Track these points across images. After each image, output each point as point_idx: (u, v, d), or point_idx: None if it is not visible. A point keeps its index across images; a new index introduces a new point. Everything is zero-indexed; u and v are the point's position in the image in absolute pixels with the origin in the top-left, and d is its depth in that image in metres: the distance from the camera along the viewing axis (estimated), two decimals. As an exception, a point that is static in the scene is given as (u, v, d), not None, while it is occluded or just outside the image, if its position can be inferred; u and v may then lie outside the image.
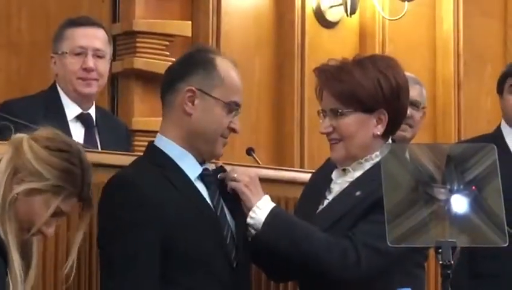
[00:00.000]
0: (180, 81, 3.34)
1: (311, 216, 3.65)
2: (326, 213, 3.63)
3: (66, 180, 2.59)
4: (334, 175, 3.72)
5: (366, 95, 3.60)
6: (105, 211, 3.29)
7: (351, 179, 3.65)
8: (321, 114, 3.68)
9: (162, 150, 3.36)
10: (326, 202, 3.73)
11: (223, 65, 3.46)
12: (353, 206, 3.47)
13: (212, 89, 3.34)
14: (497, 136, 5.13)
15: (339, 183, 3.69)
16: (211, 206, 3.38)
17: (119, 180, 3.30)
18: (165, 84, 3.44)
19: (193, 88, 3.30)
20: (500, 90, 5.24)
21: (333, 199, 3.68)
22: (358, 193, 3.45)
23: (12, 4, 6.55)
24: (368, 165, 3.62)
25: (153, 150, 3.42)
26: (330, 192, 3.72)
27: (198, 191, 3.30)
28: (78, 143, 3.54)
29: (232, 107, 3.42)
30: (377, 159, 3.58)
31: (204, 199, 3.35)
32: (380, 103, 3.61)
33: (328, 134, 3.62)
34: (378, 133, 3.58)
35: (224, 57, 3.59)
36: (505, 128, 5.23)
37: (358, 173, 3.65)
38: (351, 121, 3.62)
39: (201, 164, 3.33)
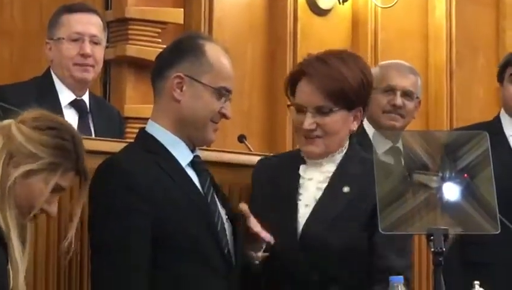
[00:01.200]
0: (169, 68, 3.33)
1: (291, 219, 3.61)
2: (321, 214, 3.60)
3: (61, 156, 2.60)
4: (302, 171, 3.69)
5: (353, 93, 3.61)
6: (96, 196, 3.24)
7: (327, 173, 3.66)
8: (293, 108, 3.64)
9: (153, 137, 3.33)
10: (303, 202, 3.70)
11: (213, 51, 3.42)
12: (346, 206, 3.48)
13: (201, 75, 3.31)
14: (495, 125, 5.07)
15: (312, 179, 3.70)
16: (202, 192, 3.33)
17: (110, 165, 3.28)
18: (155, 71, 3.40)
19: (181, 74, 3.28)
20: (500, 79, 5.15)
21: (321, 199, 3.65)
22: (346, 189, 3.45)
23: None
24: (339, 158, 3.65)
25: (144, 137, 3.38)
26: (304, 190, 3.70)
27: (189, 177, 3.29)
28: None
29: (222, 93, 3.37)
30: (345, 151, 3.65)
31: (195, 185, 3.33)
32: (361, 101, 3.65)
33: (310, 131, 3.58)
34: (354, 129, 3.64)
35: (215, 42, 3.56)
36: (504, 117, 5.16)
37: (331, 167, 3.65)
38: (337, 118, 3.62)
39: (192, 151, 3.32)
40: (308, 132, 3.57)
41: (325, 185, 3.66)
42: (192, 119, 3.33)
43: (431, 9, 7.48)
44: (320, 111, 3.55)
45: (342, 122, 3.61)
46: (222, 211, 3.41)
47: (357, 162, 3.71)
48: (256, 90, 6.34)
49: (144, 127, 3.45)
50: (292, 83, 3.60)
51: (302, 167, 3.67)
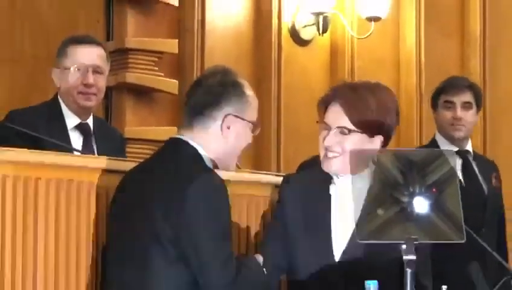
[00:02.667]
0: (217, 109, 3.47)
1: (328, 243, 3.77)
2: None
3: None
4: (332, 187, 3.85)
5: (375, 123, 3.82)
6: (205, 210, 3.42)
7: (359, 191, 4.03)
8: (321, 126, 3.79)
9: (203, 159, 3.56)
10: (341, 230, 3.81)
11: (248, 88, 3.60)
12: None
13: (244, 113, 3.53)
14: (433, 146, 5.54)
15: (342, 197, 3.80)
16: None
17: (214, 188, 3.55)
18: (197, 103, 3.54)
19: (230, 115, 3.47)
20: (434, 105, 5.57)
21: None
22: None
23: (15, 20, 6.61)
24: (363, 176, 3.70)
25: (196, 156, 3.60)
26: (336, 211, 3.83)
27: None
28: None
29: (257, 125, 3.62)
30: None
31: None
32: (383, 132, 3.83)
33: (329, 147, 3.76)
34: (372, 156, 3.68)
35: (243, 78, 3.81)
36: (439, 138, 5.60)
37: (361, 182, 3.71)
38: (356, 140, 3.78)
39: None
40: (328, 148, 3.76)
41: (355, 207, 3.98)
42: (230, 152, 3.56)
43: (402, 39, 7.80)
44: (342, 131, 3.74)
45: (360, 144, 3.80)
46: None
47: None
48: (243, 113, 6.33)
49: (180, 138, 3.63)
50: (324, 105, 3.76)
51: (332, 184, 3.86)
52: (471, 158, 5.72)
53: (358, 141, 3.76)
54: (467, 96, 5.62)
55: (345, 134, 3.79)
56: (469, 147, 5.69)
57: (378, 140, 3.81)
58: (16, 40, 6.57)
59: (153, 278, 3.51)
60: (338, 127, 3.76)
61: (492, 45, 8.20)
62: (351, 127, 3.72)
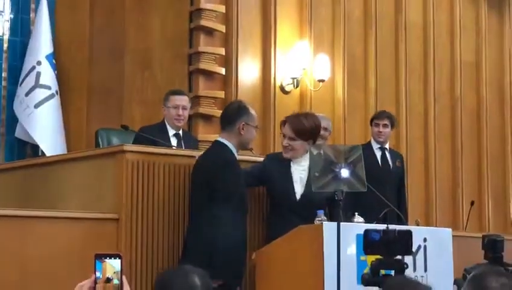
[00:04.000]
0: (237, 120, 5.03)
1: (291, 187, 5.33)
2: (308, 186, 5.18)
3: None
4: (291, 164, 5.35)
5: (307, 133, 5.30)
6: (216, 173, 4.92)
7: (305, 166, 5.29)
8: (282, 135, 5.39)
9: (228, 147, 5.03)
10: (299, 184, 5.35)
11: (251, 108, 5.17)
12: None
13: (250, 121, 5.06)
14: (368, 145, 6.99)
15: (297, 168, 5.34)
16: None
17: (220, 155, 5.04)
18: (227, 119, 5.16)
19: (244, 123, 4.98)
20: (370, 125, 7.25)
21: (307, 183, 5.24)
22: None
23: (146, 83, 8.18)
24: (307, 159, 5.26)
25: (223, 145, 5.03)
26: (293, 173, 5.36)
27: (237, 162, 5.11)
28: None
29: (257, 127, 5.14)
30: (308, 156, 5.27)
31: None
32: (311, 137, 5.32)
33: (285, 146, 5.34)
34: (307, 149, 5.27)
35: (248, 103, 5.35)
36: (373, 142, 7.14)
37: (305, 162, 5.29)
38: (298, 143, 5.27)
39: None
40: (285, 147, 5.33)
41: (304, 172, 5.30)
42: (245, 141, 5.16)
43: (335, 91, 8.98)
44: (290, 138, 5.27)
45: (300, 145, 5.26)
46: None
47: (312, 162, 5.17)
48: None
49: (221, 141, 5.14)
50: (283, 124, 5.39)
51: (291, 163, 5.28)
52: (387, 151, 7.20)
53: (299, 143, 5.24)
54: (385, 121, 7.12)
55: (292, 140, 5.21)
56: (387, 145, 7.21)
57: (310, 142, 5.21)
58: (145, 88, 8.14)
59: (204, 216, 4.97)
60: (289, 137, 5.20)
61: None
62: (294, 136, 5.23)
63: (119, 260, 2.30)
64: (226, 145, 5.09)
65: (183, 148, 6.08)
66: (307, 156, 5.25)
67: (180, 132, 6.31)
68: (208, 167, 5.07)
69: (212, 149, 5.23)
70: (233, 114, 5.24)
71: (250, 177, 5.36)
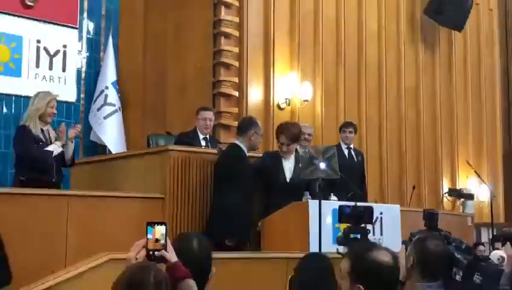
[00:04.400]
0: (248, 129, 5.14)
1: (283, 175, 5.28)
2: (297, 176, 5.20)
3: None
4: (283, 159, 5.32)
5: (296, 138, 5.41)
6: (226, 163, 4.95)
7: (293, 162, 5.30)
8: (279, 142, 5.40)
9: (240, 147, 5.10)
10: (288, 171, 5.28)
11: (259, 121, 5.34)
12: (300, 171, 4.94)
13: (258, 131, 5.20)
14: (339, 146, 6.60)
15: (286, 161, 5.35)
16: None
17: (235, 152, 5.06)
18: (242, 128, 5.24)
19: (253, 132, 5.14)
20: (339, 131, 7.09)
21: (294, 171, 5.25)
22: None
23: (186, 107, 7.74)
24: (293, 157, 5.32)
25: (238, 146, 5.11)
26: (285, 166, 5.32)
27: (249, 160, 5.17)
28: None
29: (262, 135, 5.25)
30: (294, 155, 5.33)
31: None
32: (297, 141, 5.44)
33: (284, 151, 5.34)
34: (294, 151, 5.33)
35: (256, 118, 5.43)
36: (342, 144, 6.89)
37: (293, 159, 5.32)
38: (292, 146, 5.38)
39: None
40: (284, 151, 5.36)
41: (292, 165, 5.34)
42: (254, 145, 5.24)
43: (315, 108, 8.76)
44: (287, 145, 5.35)
45: (293, 147, 5.39)
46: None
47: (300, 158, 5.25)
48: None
49: (235, 142, 5.20)
50: (278, 132, 5.43)
51: (282, 158, 5.35)
52: (352, 150, 7.01)
53: (292, 146, 5.36)
54: (350, 129, 7.01)
55: (288, 145, 5.35)
56: (352, 146, 7.05)
57: (296, 143, 5.38)
58: (184, 109, 7.76)
59: (223, 194, 5.02)
60: (286, 144, 5.34)
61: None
62: (289, 142, 5.36)
63: (164, 226, 2.27)
64: (240, 146, 5.15)
65: (210, 148, 6.03)
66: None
67: (208, 136, 6.22)
68: (226, 160, 5.12)
69: (230, 148, 5.27)
70: (246, 125, 5.29)
71: (254, 169, 5.37)
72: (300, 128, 5.53)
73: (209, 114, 6.22)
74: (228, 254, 4.31)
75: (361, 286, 2.15)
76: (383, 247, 2.29)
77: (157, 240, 2.24)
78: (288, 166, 5.32)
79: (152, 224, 2.28)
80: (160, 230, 2.25)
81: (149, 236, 2.25)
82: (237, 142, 5.23)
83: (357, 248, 2.33)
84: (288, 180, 5.26)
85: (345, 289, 2.23)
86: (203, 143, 6.08)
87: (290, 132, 5.38)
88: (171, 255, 2.20)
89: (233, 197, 4.93)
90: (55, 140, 5.13)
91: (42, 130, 5.06)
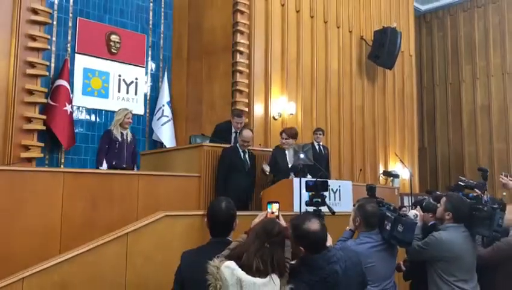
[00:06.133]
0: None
1: (287, 162, 4.89)
2: (296, 161, 4.82)
3: None
4: (286, 151, 4.96)
5: (294, 135, 5.11)
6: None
7: (291, 151, 4.99)
8: (282, 138, 5.12)
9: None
10: (289, 159, 4.93)
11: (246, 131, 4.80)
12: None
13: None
14: (312, 144, 6.29)
15: (288, 153, 5.04)
16: (242, 157, 4.68)
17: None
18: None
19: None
20: (313, 133, 6.55)
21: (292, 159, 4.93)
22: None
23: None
24: (292, 148, 4.95)
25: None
26: (288, 155, 5.02)
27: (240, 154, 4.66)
28: None
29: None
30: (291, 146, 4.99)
31: (241, 155, 4.63)
32: (294, 138, 5.08)
33: (287, 143, 5.04)
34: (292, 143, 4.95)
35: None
36: (315, 142, 6.47)
37: (291, 150, 5.01)
38: (291, 141, 5.09)
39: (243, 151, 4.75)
40: (285, 144, 5.09)
41: (290, 155, 4.99)
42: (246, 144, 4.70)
43: (295, 120, 8.26)
44: (287, 139, 5.11)
45: (292, 141, 5.08)
46: (249, 162, 4.80)
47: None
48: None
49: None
50: (283, 133, 5.15)
51: (286, 150, 4.95)
52: (321, 146, 6.55)
53: (291, 141, 5.08)
54: (320, 132, 6.60)
55: (287, 140, 5.11)
56: (321, 143, 6.58)
57: (294, 140, 5.07)
58: (212, 119, 7.46)
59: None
60: (286, 139, 5.12)
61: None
62: (289, 138, 5.13)
63: (278, 204, 2.22)
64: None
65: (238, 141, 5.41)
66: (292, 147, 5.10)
67: (238, 131, 5.70)
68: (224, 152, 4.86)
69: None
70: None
71: (272, 160, 5.11)
72: (296, 130, 5.32)
73: (241, 120, 5.82)
74: (242, 212, 4.19)
75: (301, 247, 2.05)
76: (314, 217, 2.11)
77: (273, 212, 2.20)
78: (289, 156, 5.11)
79: (271, 202, 2.25)
80: (275, 206, 2.20)
81: (268, 210, 2.21)
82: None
83: (295, 219, 2.12)
84: (289, 166, 5.05)
85: (292, 248, 2.07)
86: (233, 136, 5.70)
87: (290, 131, 5.21)
88: (282, 221, 2.13)
89: (234, 178, 4.73)
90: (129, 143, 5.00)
91: (122, 134, 4.97)
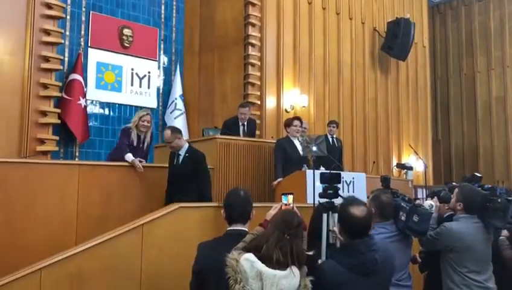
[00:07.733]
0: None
1: (298, 151, 4.80)
2: (303, 152, 4.67)
3: None
4: (295, 141, 4.86)
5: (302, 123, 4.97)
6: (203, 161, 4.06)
7: (300, 142, 4.84)
8: (297, 123, 4.93)
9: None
10: (299, 149, 4.85)
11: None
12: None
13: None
14: (325, 136, 6.11)
15: (297, 142, 4.94)
16: None
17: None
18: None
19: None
20: (328, 125, 6.63)
21: (302, 148, 4.73)
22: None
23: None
24: (303, 138, 4.62)
25: None
26: (297, 145, 4.92)
27: None
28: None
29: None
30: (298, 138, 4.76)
31: None
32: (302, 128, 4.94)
33: (298, 131, 4.94)
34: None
35: None
36: (328, 134, 6.45)
37: (300, 140, 4.87)
38: (302, 127, 4.99)
39: None
40: (299, 132, 4.98)
41: (300, 145, 4.81)
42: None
43: (307, 111, 8.28)
44: (301, 127, 4.99)
45: (301, 130, 4.99)
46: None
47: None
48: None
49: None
50: (297, 120, 5.03)
51: (294, 140, 4.87)
52: (334, 138, 6.56)
53: (301, 130, 5.02)
54: (333, 124, 6.57)
55: (301, 126, 5.08)
56: (334, 135, 6.50)
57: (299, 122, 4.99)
58: (224, 111, 7.46)
59: (188, 189, 3.99)
60: (299, 126, 5.01)
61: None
62: (302, 127, 5.12)
63: (292, 195, 2.25)
64: None
65: (246, 132, 5.68)
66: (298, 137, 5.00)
67: (245, 122, 5.79)
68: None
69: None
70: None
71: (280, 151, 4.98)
72: (306, 123, 5.28)
73: (246, 108, 5.79)
74: (257, 203, 4.11)
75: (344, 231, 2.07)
76: (362, 204, 2.09)
77: (288, 204, 2.22)
78: (299, 146, 5.01)
79: (285, 194, 2.26)
80: (290, 198, 2.22)
81: (283, 201, 2.23)
82: None
83: (342, 202, 2.13)
84: (300, 155, 4.96)
85: (337, 231, 2.12)
86: (241, 128, 5.73)
87: (289, 120, 5.18)
88: (298, 213, 2.12)
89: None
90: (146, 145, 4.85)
91: (139, 136, 4.77)
